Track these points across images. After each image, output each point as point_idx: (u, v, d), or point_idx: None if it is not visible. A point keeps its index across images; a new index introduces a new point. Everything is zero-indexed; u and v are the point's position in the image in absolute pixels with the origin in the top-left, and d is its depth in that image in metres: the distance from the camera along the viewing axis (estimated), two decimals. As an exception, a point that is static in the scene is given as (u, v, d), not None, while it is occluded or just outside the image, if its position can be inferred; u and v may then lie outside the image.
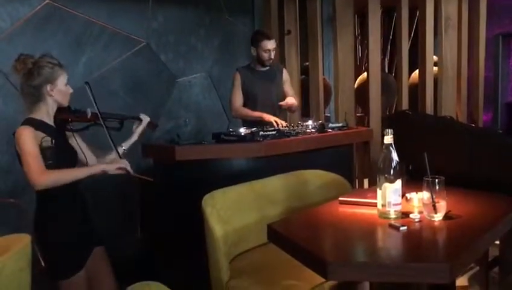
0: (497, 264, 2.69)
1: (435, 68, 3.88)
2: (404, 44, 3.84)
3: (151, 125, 2.42)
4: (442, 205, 1.71)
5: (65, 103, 2.10)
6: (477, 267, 2.97)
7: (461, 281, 3.02)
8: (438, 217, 1.71)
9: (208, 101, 4.18)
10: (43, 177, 1.91)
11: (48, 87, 2.02)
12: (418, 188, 1.83)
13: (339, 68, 3.84)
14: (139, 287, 1.27)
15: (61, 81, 2.06)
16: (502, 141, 2.31)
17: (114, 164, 2.10)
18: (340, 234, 1.74)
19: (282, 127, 3.12)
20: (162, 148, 2.85)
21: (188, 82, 3.95)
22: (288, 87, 3.56)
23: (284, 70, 3.59)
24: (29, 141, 1.92)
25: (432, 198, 1.70)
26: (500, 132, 3.26)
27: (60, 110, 2.10)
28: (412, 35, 4.71)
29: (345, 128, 3.26)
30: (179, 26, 3.87)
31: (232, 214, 2.21)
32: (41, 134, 1.96)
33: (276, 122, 3.19)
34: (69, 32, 3.15)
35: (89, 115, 2.15)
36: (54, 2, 3.07)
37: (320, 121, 3.30)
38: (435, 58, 3.90)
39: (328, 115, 4.46)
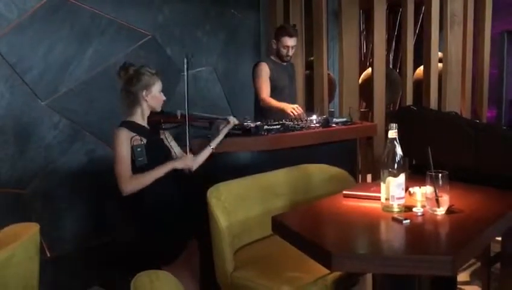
0: (499, 260, 2.71)
1: (440, 64, 3.88)
2: (409, 40, 3.84)
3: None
4: (445, 200, 1.73)
5: (158, 108, 2.36)
6: (479, 263, 2.99)
7: (463, 276, 3.04)
8: (441, 211, 1.73)
9: (213, 95, 4.19)
10: (130, 185, 2.19)
11: (144, 92, 2.29)
12: (421, 183, 1.85)
13: (344, 63, 3.85)
14: (146, 275, 1.29)
15: (156, 88, 2.33)
16: (505, 136, 2.31)
17: (182, 161, 2.35)
18: (345, 227, 1.76)
19: (299, 116, 3.17)
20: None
21: (193, 75, 3.96)
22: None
23: (294, 67, 3.72)
24: (122, 143, 2.18)
25: (435, 192, 1.72)
26: (505, 128, 3.26)
27: (153, 113, 2.36)
28: (417, 31, 4.71)
29: (349, 123, 3.27)
30: (185, 20, 3.88)
31: (237, 206, 2.23)
32: (134, 134, 2.21)
33: (294, 110, 3.20)
34: (75, 25, 3.16)
35: (179, 116, 2.40)
36: (61, -6, 3.09)
37: (324, 116, 3.31)
38: (440, 54, 3.90)
39: (332, 110, 4.46)
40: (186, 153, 2.41)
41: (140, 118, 2.32)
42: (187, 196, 2.41)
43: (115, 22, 3.37)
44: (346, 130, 3.19)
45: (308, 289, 1.93)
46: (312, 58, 4.24)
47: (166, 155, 2.40)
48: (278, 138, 2.80)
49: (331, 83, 4.53)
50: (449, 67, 3.80)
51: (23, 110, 2.95)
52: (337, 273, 1.98)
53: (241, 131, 2.76)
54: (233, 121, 2.58)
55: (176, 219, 2.29)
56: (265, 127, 2.83)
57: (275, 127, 2.87)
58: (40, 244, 1.86)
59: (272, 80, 3.43)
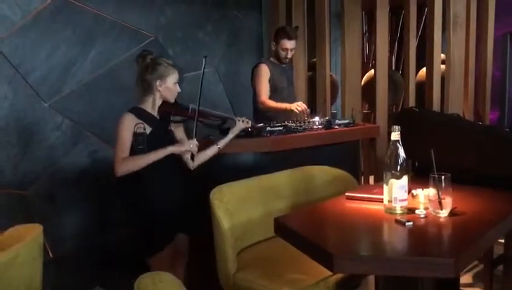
0: (502, 262, 2.70)
1: (442, 66, 3.88)
2: (412, 41, 3.84)
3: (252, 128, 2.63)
4: (448, 202, 1.73)
5: (171, 99, 2.35)
6: (482, 265, 2.98)
7: (466, 278, 3.03)
8: (444, 213, 1.73)
9: (215, 96, 4.20)
10: (121, 167, 2.16)
11: (158, 82, 2.27)
12: (424, 185, 1.85)
13: (346, 65, 3.84)
14: (150, 277, 1.29)
15: (171, 80, 2.31)
16: (508, 138, 2.31)
17: (179, 145, 2.32)
18: (347, 229, 1.76)
19: (303, 111, 3.19)
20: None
21: (194, 77, 3.96)
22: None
23: (293, 68, 3.71)
24: (125, 128, 2.18)
25: (438, 194, 1.72)
26: (507, 130, 3.26)
27: (165, 103, 2.33)
28: (420, 32, 4.70)
29: (352, 124, 3.26)
30: (187, 21, 3.89)
31: (239, 207, 2.23)
32: (138, 121, 2.20)
33: (298, 106, 3.22)
34: (78, 26, 3.17)
35: (190, 111, 2.35)
36: (64, -5, 3.10)
37: (326, 118, 3.31)
38: (443, 56, 3.89)
39: (335, 111, 4.46)
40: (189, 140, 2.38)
41: (150, 106, 2.31)
42: (185, 192, 2.40)
43: (117, 24, 3.38)
44: (349, 132, 3.19)
45: (310, 291, 1.93)
46: (314, 60, 4.24)
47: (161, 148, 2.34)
48: (280, 139, 2.80)
49: (333, 84, 4.52)
50: (452, 69, 3.80)
51: (27, 111, 2.96)
52: (339, 275, 1.98)
53: (243, 133, 2.76)
54: (239, 124, 2.55)
55: (166, 212, 2.28)
56: (268, 128, 2.83)
57: (277, 128, 2.87)
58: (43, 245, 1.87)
59: (271, 81, 3.43)
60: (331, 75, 4.26)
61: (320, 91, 4.07)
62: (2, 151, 2.87)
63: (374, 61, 4.15)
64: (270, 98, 3.40)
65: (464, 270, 3.04)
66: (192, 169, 2.42)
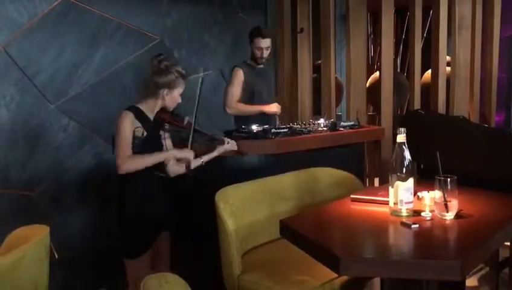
0: (507, 265, 2.69)
1: (448, 68, 3.87)
2: (417, 43, 3.83)
3: (239, 153, 2.61)
4: (454, 204, 1.72)
5: (171, 108, 2.34)
6: (487, 268, 2.97)
7: (471, 281, 3.02)
8: (450, 216, 1.72)
9: (219, 98, 4.20)
10: (127, 164, 2.14)
11: (166, 91, 2.26)
12: (430, 187, 1.84)
13: (351, 67, 3.84)
14: (156, 278, 1.30)
15: (178, 90, 2.31)
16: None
17: (183, 152, 2.33)
18: (353, 231, 1.76)
19: (277, 114, 3.27)
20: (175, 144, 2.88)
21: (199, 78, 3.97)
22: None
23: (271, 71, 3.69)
24: (127, 126, 2.16)
25: (444, 197, 1.71)
26: (513, 132, 3.25)
27: (163, 110, 2.33)
28: (425, 34, 4.70)
29: (357, 126, 3.26)
30: (193, 23, 3.90)
31: (244, 209, 2.24)
32: (137, 123, 2.19)
33: (271, 109, 3.28)
34: (84, 28, 3.19)
35: (185, 122, 2.36)
36: (71, -2, 3.12)
37: (331, 120, 3.31)
38: (448, 58, 3.88)
39: (340, 113, 4.46)
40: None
41: (149, 109, 2.29)
42: (165, 192, 2.38)
43: (123, 26, 3.40)
44: (354, 134, 3.18)
45: (315, 293, 1.93)
46: (319, 62, 4.24)
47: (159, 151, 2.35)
48: (285, 141, 2.80)
49: (338, 86, 4.53)
50: (457, 71, 3.79)
51: (33, 113, 2.98)
52: (344, 278, 1.98)
53: (248, 134, 2.77)
54: (227, 146, 2.53)
55: (147, 222, 2.25)
56: (273, 130, 2.83)
57: (282, 130, 2.87)
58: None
59: (247, 85, 3.36)
60: (336, 77, 4.26)
61: (325, 93, 4.07)
62: (9, 152, 2.88)
63: (379, 63, 4.15)
64: (248, 102, 3.37)
65: (470, 273, 3.03)
66: (171, 176, 2.40)
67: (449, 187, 1.72)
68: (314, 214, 2.02)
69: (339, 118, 3.70)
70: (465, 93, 3.86)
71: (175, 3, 3.74)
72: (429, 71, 4.07)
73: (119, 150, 2.15)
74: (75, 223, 3.16)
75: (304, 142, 2.88)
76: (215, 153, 2.51)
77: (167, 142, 2.40)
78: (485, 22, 4.10)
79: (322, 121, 3.16)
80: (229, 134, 2.82)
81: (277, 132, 2.83)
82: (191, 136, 2.35)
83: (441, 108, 3.75)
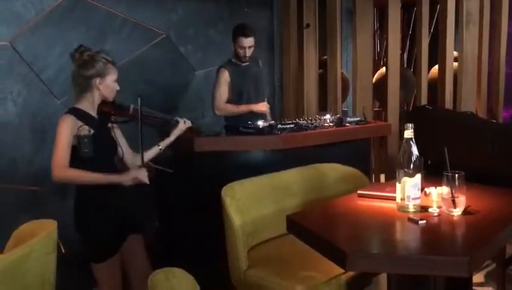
0: (515, 262, 2.68)
1: (455, 63, 3.85)
2: (424, 39, 3.81)
3: (192, 131, 2.53)
4: (462, 200, 1.71)
5: (110, 98, 2.22)
6: (494, 265, 2.96)
7: (478, 277, 3.01)
8: (457, 211, 1.72)
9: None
10: (61, 172, 2.03)
11: (98, 80, 2.13)
12: (437, 183, 1.83)
13: (358, 62, 3.83)
14: (163, 273, 1.30)
15: (111, 77, 2.18)
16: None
17: (131, 175, 2.16)
18: (360, 227, 1.76)
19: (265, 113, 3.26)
20: (181, 139, 2.87)
21: (205, 74, 3.97)
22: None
23: (260, 62, 3.58)
24: (65, 130, 2.04)
25: (452, 193, 1.70)
26: (520, 128, 3.23)
27: (104, 103, 2.21)
28: (432, 29, 4.66)
29: (363, 122, 3.25)
30: (199, 19, 3.90)
31: (251, 205, 2.24)
32: (80, 123, 2.06)
33: (260, 108, 3.29)
34: (91, 24, 3.19)
35: (131, 111, 2.24)
36: (77, -7, 3.12)
37: (338, 115, 3.30)
38: (455, 53, 3.86)
39: (346, 109, 4.45)
40: (140, 163, 2.22)
41: (90, 106, 2.16)
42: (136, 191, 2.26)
43: (129, 21, 3.40)
44: (360, 130, 3.18)
45: (321, 289, 1.93)
46: (326, 57, 4.22)
47: (112, 148, 2.25)
48: (291, 137, 2.80)
49: (344, 82, 4.51)
50: (464, 66, 3.76)
51: (40, 108, 2.99)
52: (350, 273, 1.98)
53: (254, 130, 2.76)
54: (182, 125, 2.44)
55: (110, 229, 2.17)
56: (279, 126, 2.83)
57: (288, 126, 2.87)
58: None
59: (232, 85, 3.33)
60: (342, 73, 4.24)
61: (331, 89, 4.06)
62: (16, 147, 2.90)
63: (385, 59, 4.13)
64: (236, 102, 3.34)
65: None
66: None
67: (457, 183, 1.71)
68: (321, 210, 2.02)
69: (345, 113, 3.68)
70: (473, 89, 3.84)
71: (181, -2, 3.75)
72: (436, 66, 4.05)
73: (54, 156, 2.03)
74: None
75: (310, 137, 2.88)
76: (172, 138, 2.42)
77: (119, 137, 2.29)
78: (493, 17, 4.07)
79: (328, 116, 3.15)
80: (234, 129, 2.81)
81: (283, 128, 2.83)
82: (140, 133, 2.17)
83: (448, 103, 3.73)
